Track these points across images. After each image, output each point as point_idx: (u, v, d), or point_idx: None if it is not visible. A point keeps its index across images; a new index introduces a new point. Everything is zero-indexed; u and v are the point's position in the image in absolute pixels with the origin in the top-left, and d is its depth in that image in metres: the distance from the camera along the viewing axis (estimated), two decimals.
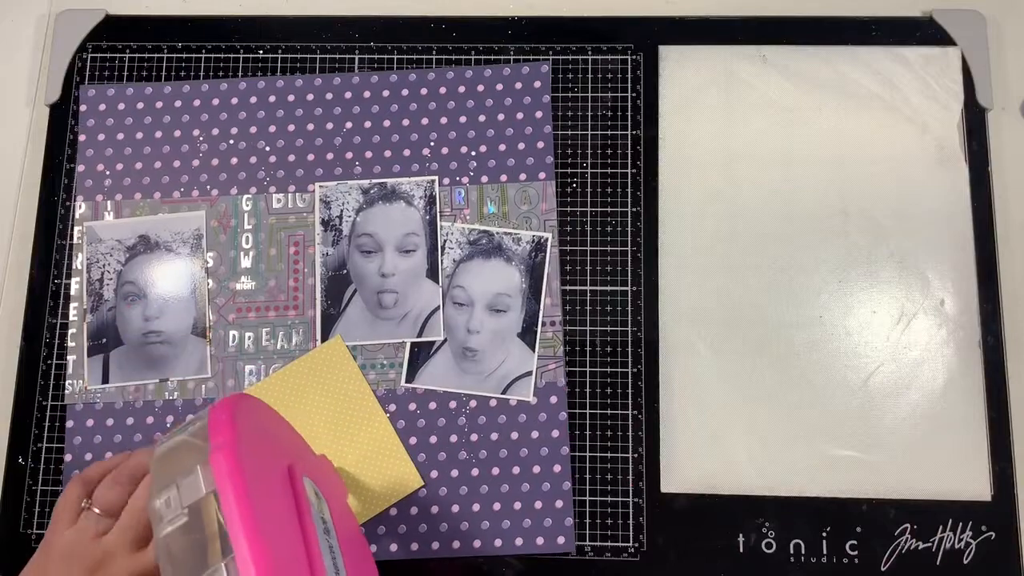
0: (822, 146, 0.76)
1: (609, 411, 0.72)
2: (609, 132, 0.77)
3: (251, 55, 0.79)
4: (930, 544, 0.69)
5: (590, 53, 0.78)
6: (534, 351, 0.72)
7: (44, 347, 0.74)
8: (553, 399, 0.72)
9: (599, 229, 0.75)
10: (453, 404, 0.72)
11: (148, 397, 0.73)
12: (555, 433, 0.71)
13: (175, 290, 0.74)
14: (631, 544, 0.70)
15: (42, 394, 0.73)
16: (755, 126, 0.76)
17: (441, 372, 0.72)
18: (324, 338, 0.73)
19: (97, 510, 0.61)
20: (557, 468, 0.71)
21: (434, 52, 0.79)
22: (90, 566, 0.59)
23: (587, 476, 0.71)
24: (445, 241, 0.74)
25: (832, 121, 0.76)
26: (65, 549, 0.61)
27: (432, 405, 0.72)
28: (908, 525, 0.69)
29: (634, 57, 0.78)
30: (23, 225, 0.77)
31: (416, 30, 0.79)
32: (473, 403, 0.72)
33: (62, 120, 0.78)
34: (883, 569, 0.69)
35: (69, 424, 0.72)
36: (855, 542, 0.69)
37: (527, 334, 0.72)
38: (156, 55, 0.79)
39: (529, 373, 0.72)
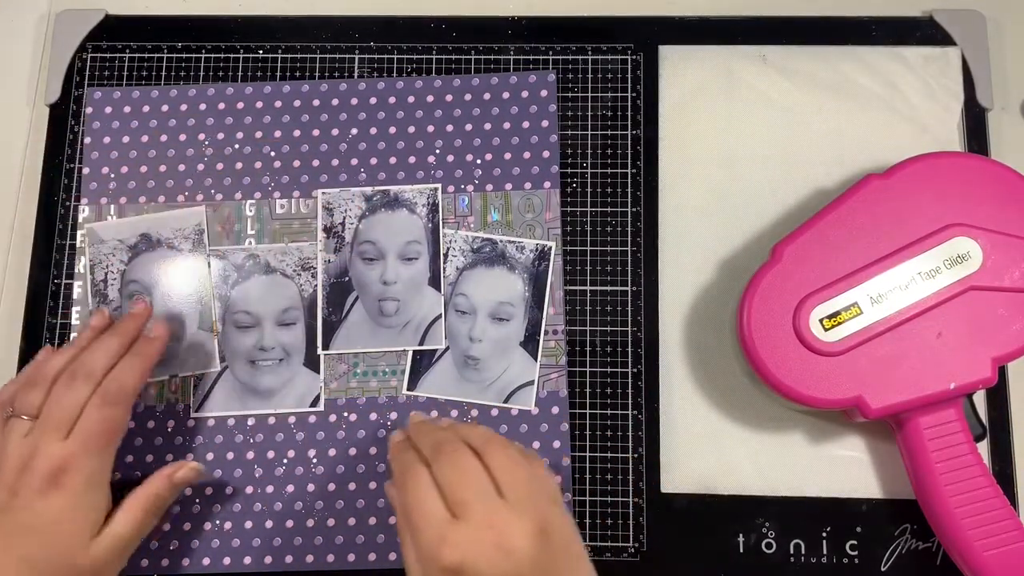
0: (822, 146, 0.76)
1: (609, 411, 0.72)
2: (609, 132, 0.77)
3: (251, 55, 0.79)
4: (930, 544, 0.69)
5: (590, 53, 0.78)
6: (536, 360, 0.72)
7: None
8: (555, 409, 0.71)
9: (599, 229, 0.75)
10: (455, 413, 0.72)
11: (149, 402, 0.73)
12: (556, 444, 0.71)
13: (179, 286, 0.74)
14: (631, 544, 0.70)
15: None
16: (755, 126, 0.76)
17: (443, 380, 0.72)
18: (325, 345, 0.73)
19: (24, 417, 0.64)
20: (557, 479, 0.70)
21: (434, 52, 0.78)
22: (17, 464, 0.62)
23: (587, 476, 0.71)
24: (448, 248, 0.74)
25: (832, 121, 0.76)
26: None
27: (434, 414, 0.72)
28: (908, 525, 0.70)
29: (634, 57, 0.78)
30: (23, 225, 0.77)
31: (416, 30, 0.79)
32: (475, 412, 0.72)
33: (62, 120, 0.78)
34: (883, 569, 0.69)
35: None
36: (855, 542, 0.70)
37: (529, 343, 0.72)
38: (156, 55, 0.79)
39: (531, 382, 0.72)
